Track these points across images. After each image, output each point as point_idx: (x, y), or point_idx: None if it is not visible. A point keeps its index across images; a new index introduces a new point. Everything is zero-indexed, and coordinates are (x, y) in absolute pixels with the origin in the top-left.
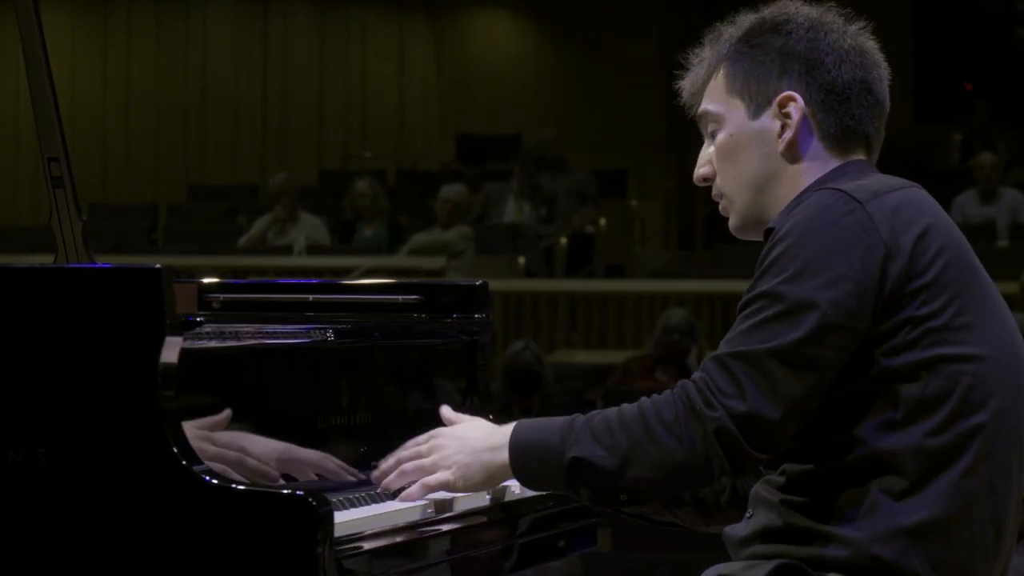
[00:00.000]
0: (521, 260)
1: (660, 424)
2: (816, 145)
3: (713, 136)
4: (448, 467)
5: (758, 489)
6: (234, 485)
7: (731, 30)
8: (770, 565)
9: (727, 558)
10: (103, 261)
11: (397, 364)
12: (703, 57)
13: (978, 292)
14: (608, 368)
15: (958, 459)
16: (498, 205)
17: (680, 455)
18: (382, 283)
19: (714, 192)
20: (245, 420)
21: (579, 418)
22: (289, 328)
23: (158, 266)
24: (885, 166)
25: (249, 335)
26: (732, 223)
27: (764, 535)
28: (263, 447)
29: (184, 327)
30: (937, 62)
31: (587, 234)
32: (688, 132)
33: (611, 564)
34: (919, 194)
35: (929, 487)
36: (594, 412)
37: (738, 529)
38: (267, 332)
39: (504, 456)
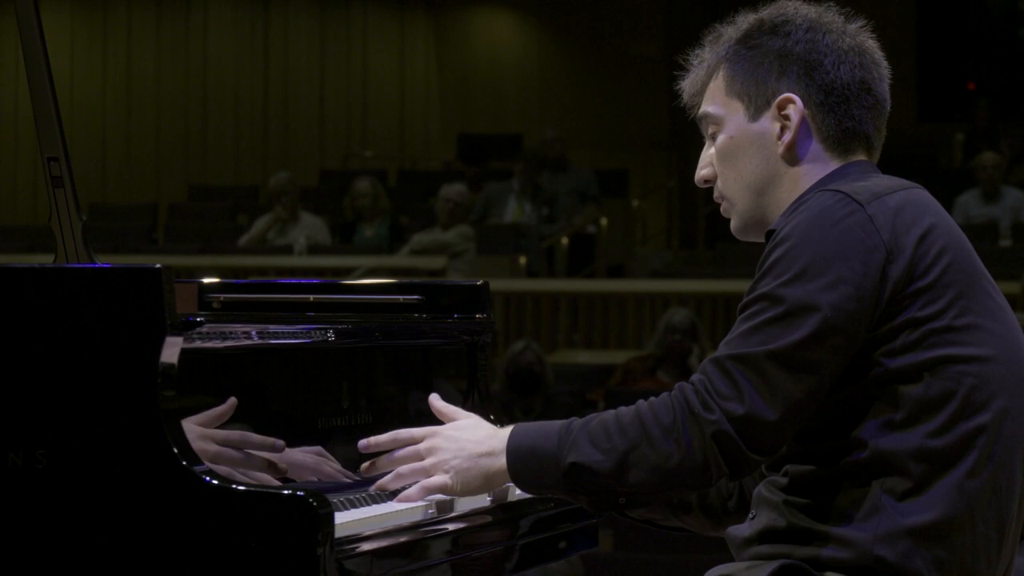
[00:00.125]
0: (522, 260)
1: (657, 427)
2: (816, 147)
3: (714, 138)
4: (446, 471)
5: (761, 490)
6: (234, 486)
7: (730, 31)
8: (773, 565)
9: (728, 559)
10: (103, 261)
11: (398, 364)
12: (703, 58)
13: (980, 293)
14: (609, 368)
15: (961, 460)
16: (499, 205)
17: (678, 458)
18: (383, 283)
19: (715, 194)
20: (245, 420)
21: (576, 422)
22: (290, 328)
23: (158, 266)
24: (887, 165)
25: (249, 335)
26: (733, 225)
27: (767, 535)
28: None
29: (184, 327)
30: (939, 61)
31: (589, 234)
32: (690, 132)
33: (612, 565)
34: (921, 195)
35: (932, 488)
36: (591, 416)
37: (741, 529)
38: (267, 332)
39: (502, 461)
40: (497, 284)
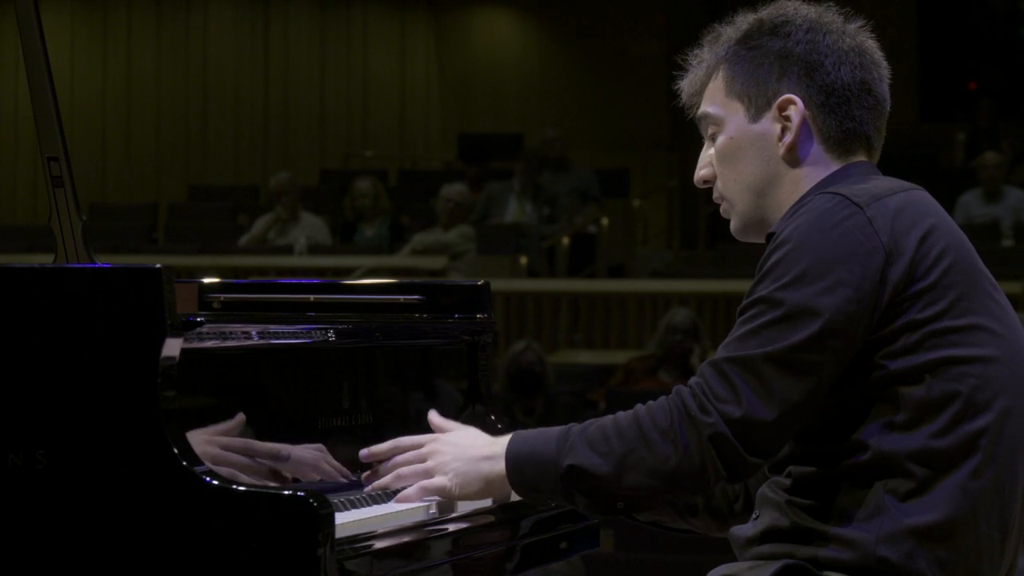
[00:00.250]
0: (523, 260)
1: (655, 430)
2: (816, 148)
3: (713, 138)
4: (446, 473)
5: (765, 490)
6: (235, 486)
7: (729, 31)
8: (775, 565)
9: (729, 559)
10: (103, 261)
11: (398, 365)
12: (702, 58)
13: (982, 293)
14: (610, 368)
15: (964, 461)
16: (500, 205)
17: (675, 461)
18: (383, 283)
19: (715, 194)
20: (246, 421)
21: (575, 427)
22: (290, 328)
23: (158, 266)
24: (889, 165)
25: (250, 335)
26: (733, 226)
27: (770, 535)
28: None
29: (185, 327)
30: (941, 61)
31: (589, 234)
32: (691, 132)
33: (613, 565)
34: (921, 196)
35: (935, 489)
36: (590, 421)
37: (744, 529)
38: (268, 332)
39: (501, 466)
40: (498, 284)
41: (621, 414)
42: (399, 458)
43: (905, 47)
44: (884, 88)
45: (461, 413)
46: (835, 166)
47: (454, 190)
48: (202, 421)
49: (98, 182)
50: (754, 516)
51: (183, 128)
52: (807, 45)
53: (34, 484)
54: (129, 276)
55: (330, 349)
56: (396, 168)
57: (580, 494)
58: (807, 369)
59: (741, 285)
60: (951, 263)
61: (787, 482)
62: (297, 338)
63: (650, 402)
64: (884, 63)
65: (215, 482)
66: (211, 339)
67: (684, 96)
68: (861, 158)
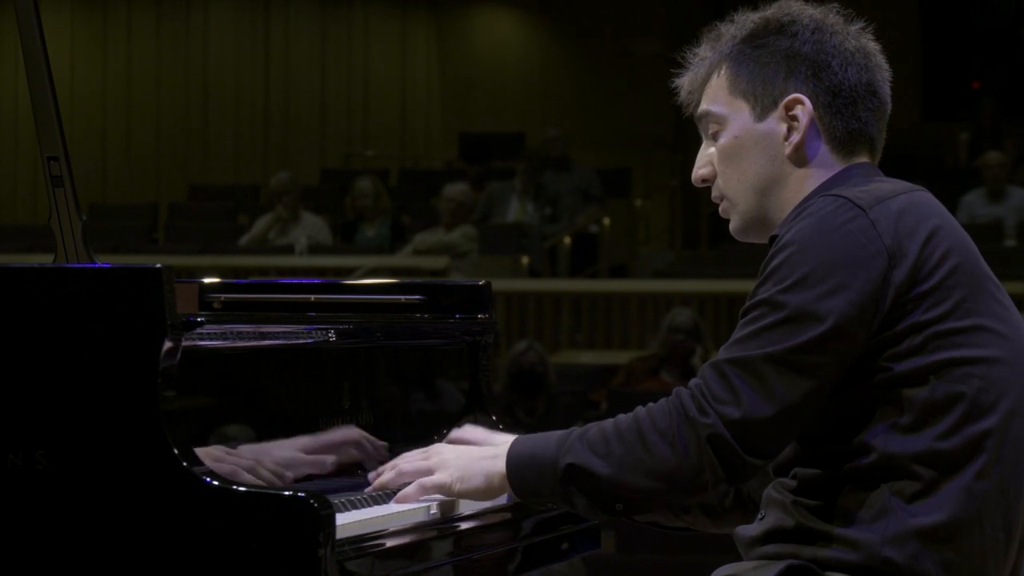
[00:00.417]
0: (525, 260)
1: (654, 432)
2: (822, 148)
3: (715, 137)
4: (446, 469)
5: (770, 491)
6: (235, 487)
7: (732, 29)
8: (780, 565)
9: (730, 560)
10: (103, 261)
11: (399, 365)
12: (703, 56)
13: (986, 294)
14: (612, 369)
15: (969, 462)
16: (501, 204)
17: (674, 462)
18: (384, 283)
19: (714, 193)
20: (246, 421)
21: (576, 430)
22: (291, 328)
23: (159, 266)
24: (892, 165)
25: (250, 335)
26: (734, 225)
27: (775, 535)
28: (282, 449)
29: (185, 327)
30: (944, 60)
31: (591, 233)
32: (694, 131)
33: (614, 566)
34: (925, 197)
35: (941, 490)
36: (592, 424)
37: (749, 529)
38: (268, 332)
39: (502, 464)
40: (499, 284)
41: (622, 416)
42: (402, 457)
43: (908, 47)
44: (887, 89)
45: (462, 414)
46: (839, 167)
47: (456, 190)
48: (202, 421)
49: (98, 182)
50: (759, 516)
51: (183, 128)
52: (814, 45)
53: (34, 485)
54: (129, 276)
55: (331, 349)
56: (397, 168)
57: (579, 494)
58: (808, 370)
59: (743, 285)
60: (955, 265)
61: (793, 483)
62: (298, 338)
63: (650, 404)
64: (886, 65)
65: (215, 482)
66: (212, 339)
67: (683, 93)
68: (864, 159)
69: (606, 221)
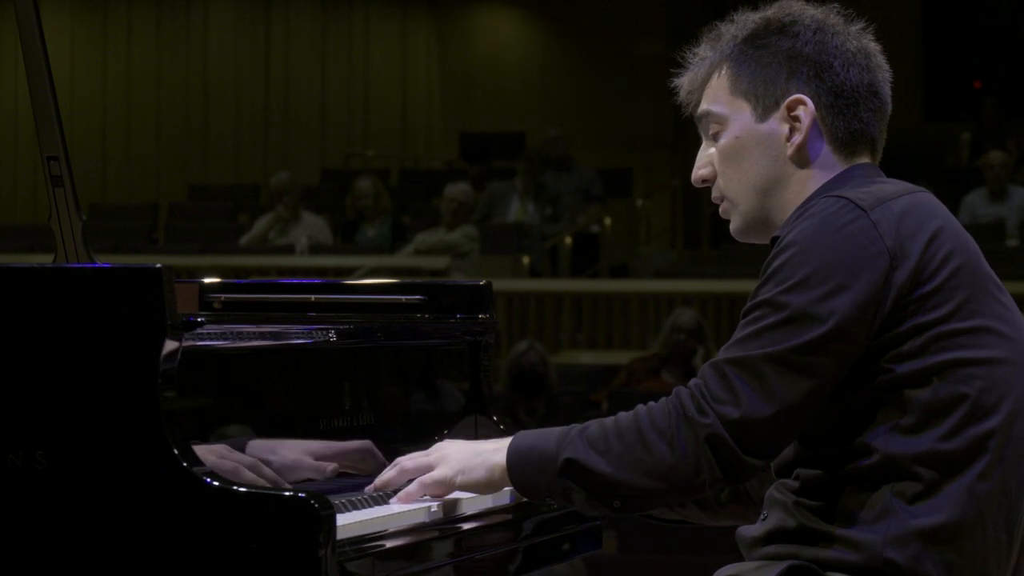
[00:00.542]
0: (525, 260)
1: (653, 431)
2: (825, 149)
3: (715, 137)
4: (448, 463)
5: (772, 491)
6: (235, 487)
7: (732, 29)
8: (781, 566)
9: (732, 560)
10: (103, 261)
11: (400, 365)
12: (703, 56)
13: (988, 295)
14: (613, 369)
15: (972, 463)
16: (502, 204)
17: (671, 462)
18: (385, 283)
19: (714, 194)
20: (247, 422)
21: (576, 426)
22: (291, 328)
23: (159, 266)
24: (893, 164)
25: (250, 336)
26: (734, 226)
27: (777, 536)
28: (288, 449)
29: (185, 327)
30: (946, 60)
31: (592, 233)
32: (695, 131)
33: (616, 567)
34: (927, 198)
35: (943, 491)
36: (592, 420)
37: (751, 530)
38: (269, 332)
39: (503, 457)
40: (500, 284)
41: (623, 414)
42: (404, 456)
43: (910, 46)
44: (887, 90)
45: (463, 414)
46: (841, 167)
47: (458, 189)
48: (203, 422)
49: (98, 182)
50: (762, 517)
51: (183, 128)
52: (816, 46)
53: (34, 485)
54: (129, 276)
55: (331, 349)
56: (397, 167)
57: (576, 489)
58: (808, 371)
59: (744, 285)
60: (958, 266)
61: (795, 484)
62: (298, 338)
63: (651, 403)
64: (886, 65)
65: (215, 483)
66: (212, 339)
67: (682, 93)
68: (866, 159)
69: (607, 221)
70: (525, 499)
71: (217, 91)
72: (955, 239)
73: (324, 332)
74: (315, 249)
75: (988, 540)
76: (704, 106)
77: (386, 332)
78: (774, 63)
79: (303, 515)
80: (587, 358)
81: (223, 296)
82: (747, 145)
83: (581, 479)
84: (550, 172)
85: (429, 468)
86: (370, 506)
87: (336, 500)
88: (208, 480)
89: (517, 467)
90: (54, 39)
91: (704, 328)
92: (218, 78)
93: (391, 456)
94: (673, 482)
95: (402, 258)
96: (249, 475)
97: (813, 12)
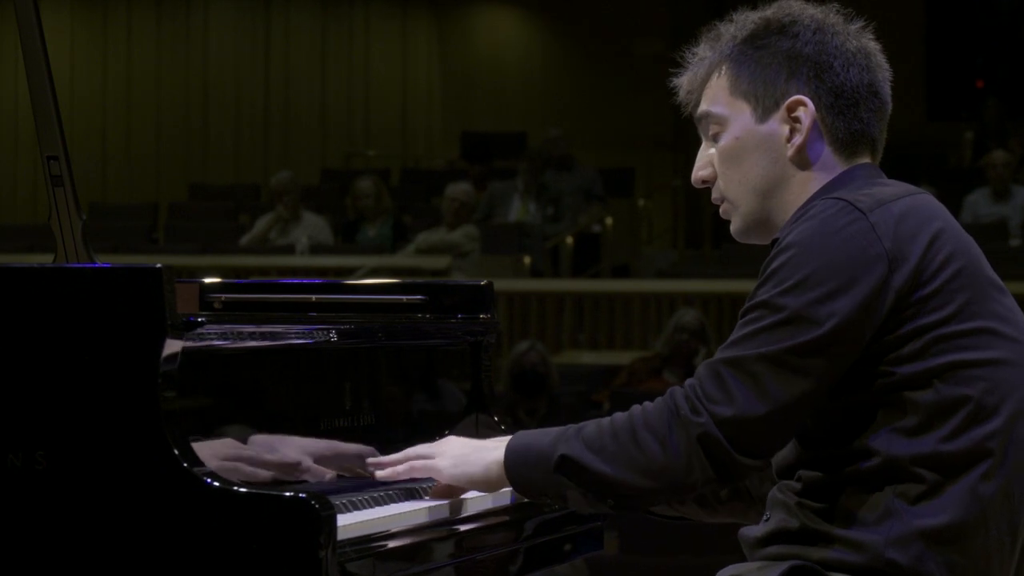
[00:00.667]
0: (527, 260)
1: (646, 430)
2: (825, 150)
3: (715, 138)
4: (446, 455)
5: (775, 492)
6: (235, 488)
7: (732, 29)
8: (783, 566)
9: (733, 561)
10: (103, 261)
11: (401, 365)
12: (702, 56)
13: (989, 297)
14: (615, 369)
15: (974, 464)
16: (503, 204)
17: (663, 461)
18: (386, 283)
19: (715, 195)
20: (247, 422)
21: (573, 426)
22: (292, 328)
23: (159, 266)
24: (895, 164)
25: (251, 336)
26: (735, 227)
27: (779, 536)
28: (291, 447)
29: (185, 327)
30: (949, 59)
31: (594, 233)
32: (695, 131)
33: (617, 568)
34: (926, 200)
35: (945, 492)
36: (590, 420)
37: (754, 530)
38: (269, 333)
39: (501, 453)
40: (501, 284)
41: (619, 414)
42: (408, 449)
43: (912, 46)
44: (887, 90)
45: (464, 414)
46: (842, 168)
47: (459, 189)
48: (203, 422)
49: (98, 182)
50: (764, 517)
51: (183, 128)
52: (816, 46)
53: (34, 485)
54: (129, 276)
55: (332, 349)
56: (398, 167)
57: (570, 486)
58: (803, 371)
59: (746, 285)
60: (958, 268)
61: (797, 485)
62: (299, 338)
63: (646, 402)
64: (886, 64)
65: (216, 483)
66: (212, 339)
67: (681, 93)
68: (866, 160)
69: (608, 221)
70: (526, 499)
71: (217, 91)
72: (955, 241)
73: (325, 332)
74: (316, 249)
75: (991, 541)
76: (704, 107)
77: (387, 332)
78: (774, 63)
79: (304, 516)
80: (588, 358)
81: (223, 296)
82: (747, 146)
83: (575, 476)
84: (551, 172)
85: (429, 458)
86: (371, 506)
87: (337, 500)
88: (208, 480)
89: (514, 464)
90: (54, 39)
91: (707, 329)
92: (218, 78)
93: None
94: (665, 481)
95: (403, 258)
96: (249, 469)
97: (813, 12)
